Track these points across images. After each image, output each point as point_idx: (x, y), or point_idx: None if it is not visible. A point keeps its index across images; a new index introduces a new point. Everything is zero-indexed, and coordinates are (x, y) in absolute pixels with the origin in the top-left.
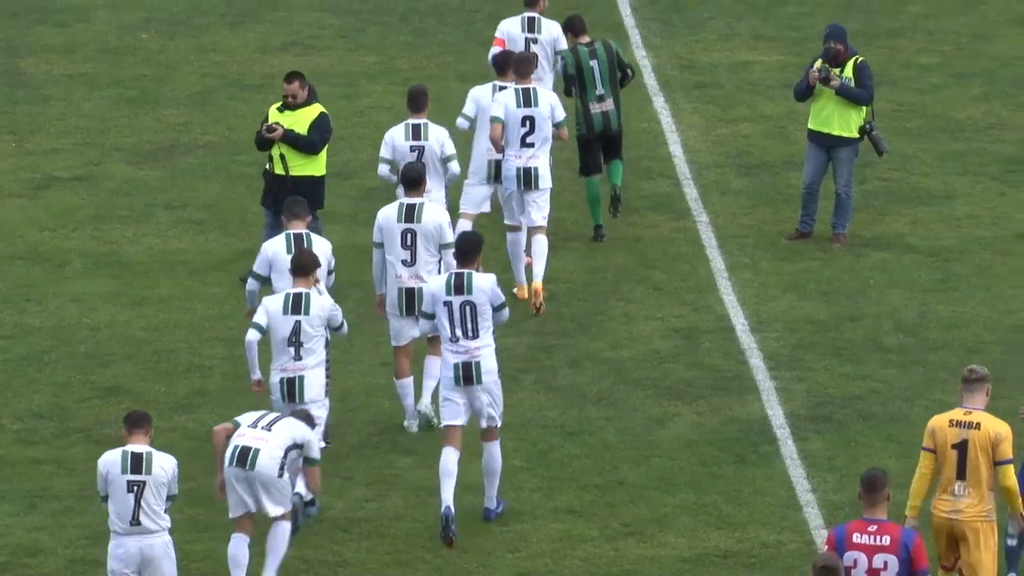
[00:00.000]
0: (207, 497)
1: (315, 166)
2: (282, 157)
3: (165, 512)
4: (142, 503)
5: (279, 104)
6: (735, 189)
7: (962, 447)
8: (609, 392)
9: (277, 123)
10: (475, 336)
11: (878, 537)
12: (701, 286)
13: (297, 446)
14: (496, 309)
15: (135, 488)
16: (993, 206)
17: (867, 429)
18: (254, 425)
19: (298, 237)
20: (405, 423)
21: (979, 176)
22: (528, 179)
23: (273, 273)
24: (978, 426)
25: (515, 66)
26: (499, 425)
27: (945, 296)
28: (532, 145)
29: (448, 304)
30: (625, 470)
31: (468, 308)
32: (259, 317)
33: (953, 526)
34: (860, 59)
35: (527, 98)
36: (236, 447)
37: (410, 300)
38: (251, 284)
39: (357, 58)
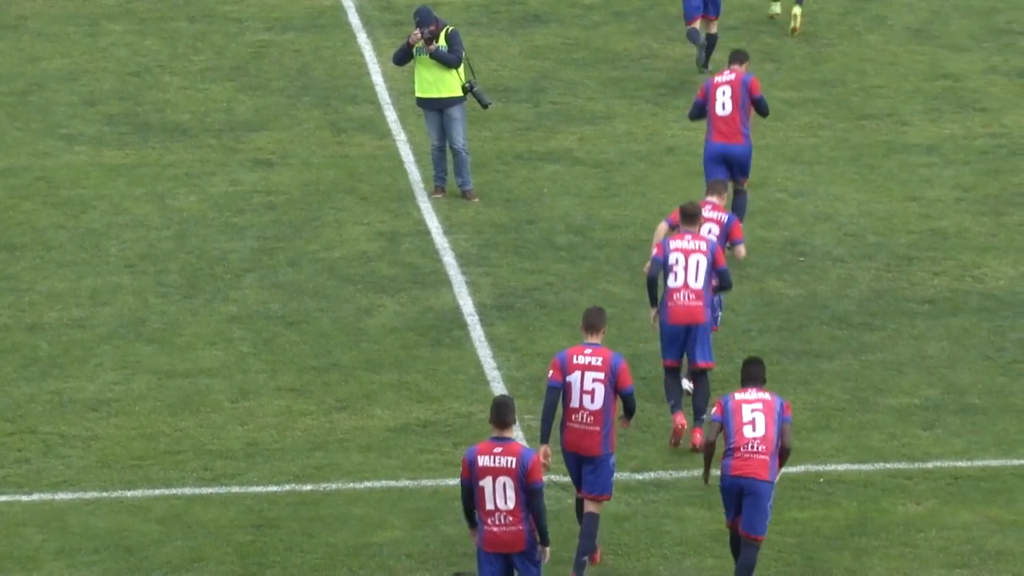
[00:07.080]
0: None
1: None
2: None
3: None
4: None
5: None
6: None
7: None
8: (323, 287)
9: None
10: None
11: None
12: (401, 196)
13: None
14: None
15: None
16: (647, 125)
17: (543, 315)
18: None
19: None
20: None
21: (635, 99)
22: None
23: None
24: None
25: None
26: None
27: (608, 202)
28: None
29: None
30: (338, 354)
31: None
32: None
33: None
34: (451, 28)
35: None
36: None
37: None
38: None
39: (98, 0)
